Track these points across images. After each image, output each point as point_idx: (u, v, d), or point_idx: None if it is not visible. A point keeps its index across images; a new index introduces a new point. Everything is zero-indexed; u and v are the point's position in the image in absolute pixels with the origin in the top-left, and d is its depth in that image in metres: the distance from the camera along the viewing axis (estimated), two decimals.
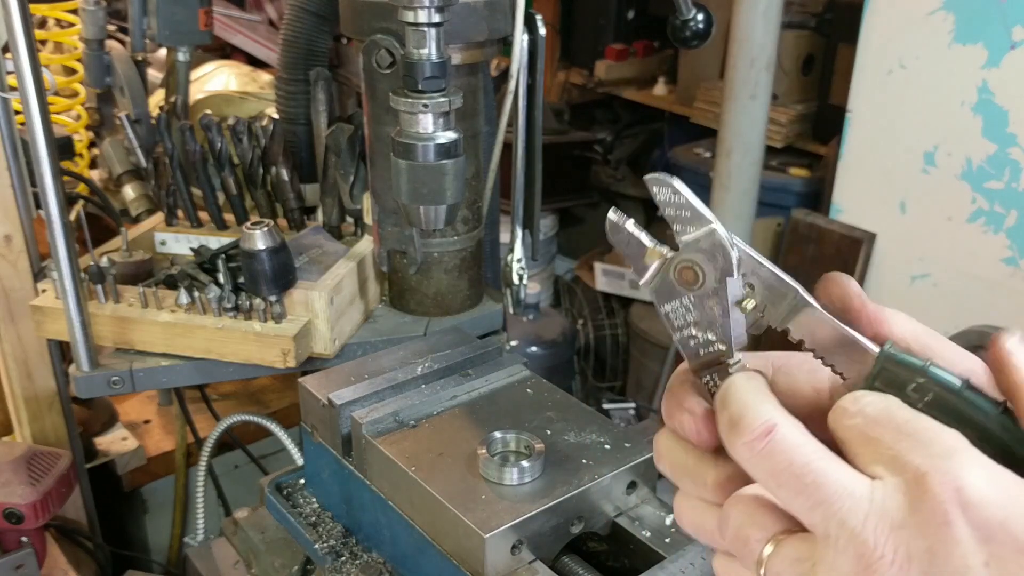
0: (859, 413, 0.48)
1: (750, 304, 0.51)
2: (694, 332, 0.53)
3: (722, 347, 0.52)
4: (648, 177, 0.53)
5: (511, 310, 1.51)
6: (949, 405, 0.48)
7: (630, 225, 0.54)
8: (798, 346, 0.52)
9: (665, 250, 0.53)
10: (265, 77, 2.27)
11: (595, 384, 3.72)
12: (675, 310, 0.53)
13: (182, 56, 1.81)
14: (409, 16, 1.12)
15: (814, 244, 2.64)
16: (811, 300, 0.51)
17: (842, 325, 0.51)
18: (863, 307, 0.52)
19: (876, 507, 0.44)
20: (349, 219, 1.64)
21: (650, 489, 1.01)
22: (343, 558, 1.08)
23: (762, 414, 0.48)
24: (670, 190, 0.52)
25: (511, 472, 0.93)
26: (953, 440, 0.45)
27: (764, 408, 0.49)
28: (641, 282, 0.54)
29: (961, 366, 0.50)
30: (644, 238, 0.54)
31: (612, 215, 0.55)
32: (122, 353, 1.41)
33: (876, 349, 0.50)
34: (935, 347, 0.52)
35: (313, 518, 1.14)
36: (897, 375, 0.49)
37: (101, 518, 1.84)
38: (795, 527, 0.48)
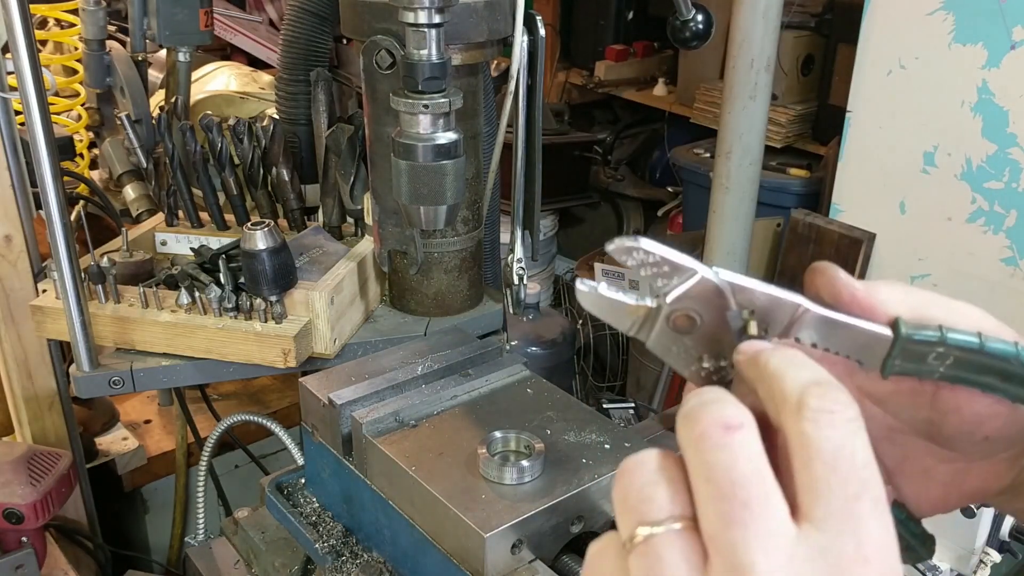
0: (818, 445, 0.41)
1: (753, 328, 0.51)
2: (704, 364, 0.52)
3: (731, 377, 0.52)
4: (611, 247, 0.50)
5: (511, 310, 1.51)
6: (972, 362, 0.50)
7: (604, 290, 0.52)
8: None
9: (647, 302, 0.51)
10: (265, 77, 2.27)
11: (595, 384, 3.72)
12: (678, 352, 0.52)
13: (182, 56, 1.81)
14: (409, 17, 1.12)
15: (814, 244, 2.64)
16: (811, 306, 0.51)
17: (847, 319, 0.51)
18: (852, 298, 0.51)
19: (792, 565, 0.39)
20: (350, 219, 1.64)
21: None
22: (343, 558, 1.08)
23: (728, 408, 0.43)
24: (641, 253, 0.50)
25: (511, 472, 0.93)
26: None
27: (730, 404, 0.43)
28: (629, 334, 0.53)
29: (957, 314, 0.52)
30: (622, 299, 0.52)
31: (580, 285, 0.52)
32: (122, 353, 1.41)
33: (887, 332, 0.50)
34: (928, 307, 0.52)
35: (313, 518, 1.15)
36: (915, 351, 0.50)
37: (101, 518, 1.84)
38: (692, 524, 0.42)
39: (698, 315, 0.51)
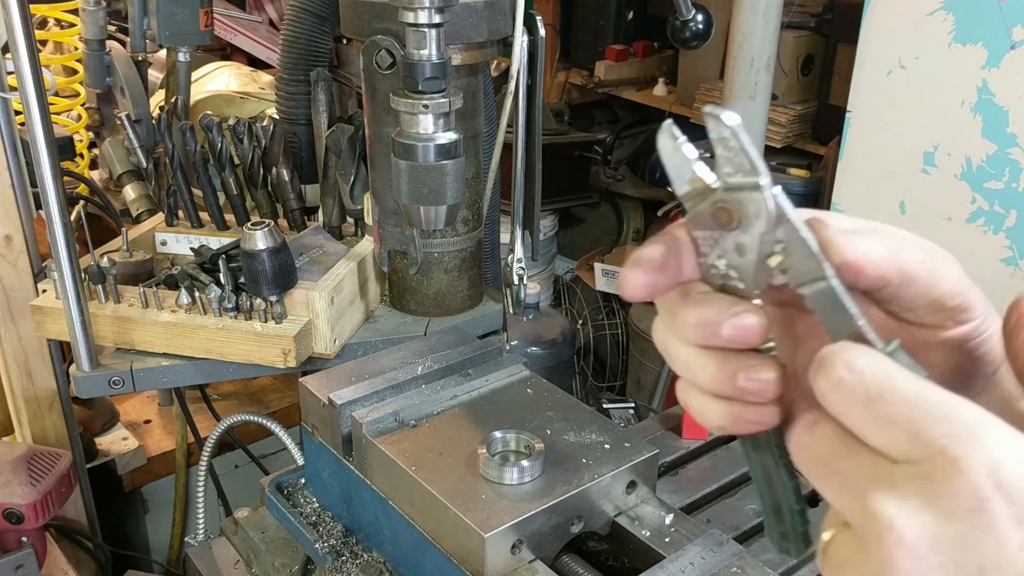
0: (856, 381, 0.44)
1: (775, 261, 0.51)
2: (717, 263, 0.52)
3: (740, 286, 0.52)
4: (706, 110, 0.51)
5: (511, 310, 1.51)
6: None
7: (682, 144, 0.52)
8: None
9: (710, 179, 0.52)
10: (265, 77, 2.27)
11: (595, 384, 3.72)
12: (704, 239, 0.52)
13: (182, 56, 1.82)
14: (409, 17, 1.12)
15: None
16: (835, 282, 0.50)
17: (856, 314, 0.50)
18: (843, 262, 0.51)
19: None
20: (350, 219, 1.64)
21: (650, 489, 1.01)
22: (343, 558, 1.08)
23: (851, 348, 0.46)
24: (728, 131, 0.50)
25: (511, 472, 0.93)
26: (974, 414, 0.41)
27: (851, 345, 0.46)
28: (677, 194, 0.53)
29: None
30: (693, 161, 0.52)
31: (667, 127, 0.53)
32: (122, 353, 1.41)
33: (882, 347, 0.49)
34: (903, 252, 0.53)
35: (313, 518, 1.15)
36: None
37: (101, 518, 1.84)
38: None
39: (737, 217, 0.51)
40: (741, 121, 0.50)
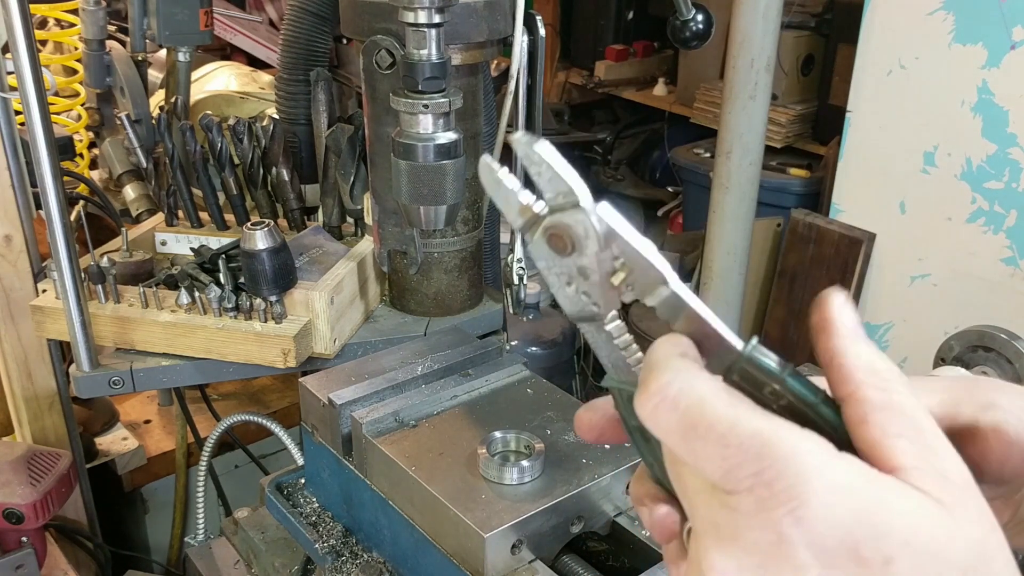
0: (670, 409, 0.43)
1: (618, 279, 0.50)
2: (568, 291, 0.51)
3: (595, 307, 0.51)
4: (515, 137, 0.49)
5: (511, 310, 1.51)
6: (800, 414, 0.45)
7: (503, 175, 0.51)
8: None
9: (538, 207, 0.50)
10: (265, 77, 2.27)
11: (595, 384, 3.72)
12: (548, 268, 0.51)
13: (182, 56, 1.81)
14: (409, 17, 1.12)
15: (814, 244, 2.64)
16: (681, 295, 0.49)
17: (707, 316, 0.49)
18: (832, 362, 0.46)
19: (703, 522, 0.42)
20: (349, 219, 1.64)
21: None
22: (343, 558, 1.08)
23: (671, 367, 0.44)
24: (538, 155, 0.49)
25: (511, 472, 0.93)
26: (787, 446, 0.40)
27: (672, 363, 0.45)
28: (513, 227, 0.52)
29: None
30: (516, 191, 0.51)
31: (486, 160, 0.51)
32: (122, 353, 1.41)
33: (739, 346, 0.48)
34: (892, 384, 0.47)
35: (313, 518, 1.15)
36: (755, 376, 0.47)
37: (101, 518, 1.84)
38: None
39: (569, 241, 0.49)
40: (550, 145, 0.49)
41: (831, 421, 0.45)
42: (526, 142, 0.49)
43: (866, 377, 0.43)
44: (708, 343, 0.48)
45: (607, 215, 0.49)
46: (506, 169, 0.51)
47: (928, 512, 0.39)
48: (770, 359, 0.46)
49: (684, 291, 0.49)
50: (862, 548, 0.38)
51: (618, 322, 0.51)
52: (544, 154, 0.49)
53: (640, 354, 0.51)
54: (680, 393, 0.43)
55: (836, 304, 0.46)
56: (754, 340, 0.47)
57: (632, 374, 0.50)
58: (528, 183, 0.51)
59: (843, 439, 0.44)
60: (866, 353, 0.44)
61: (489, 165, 0.51)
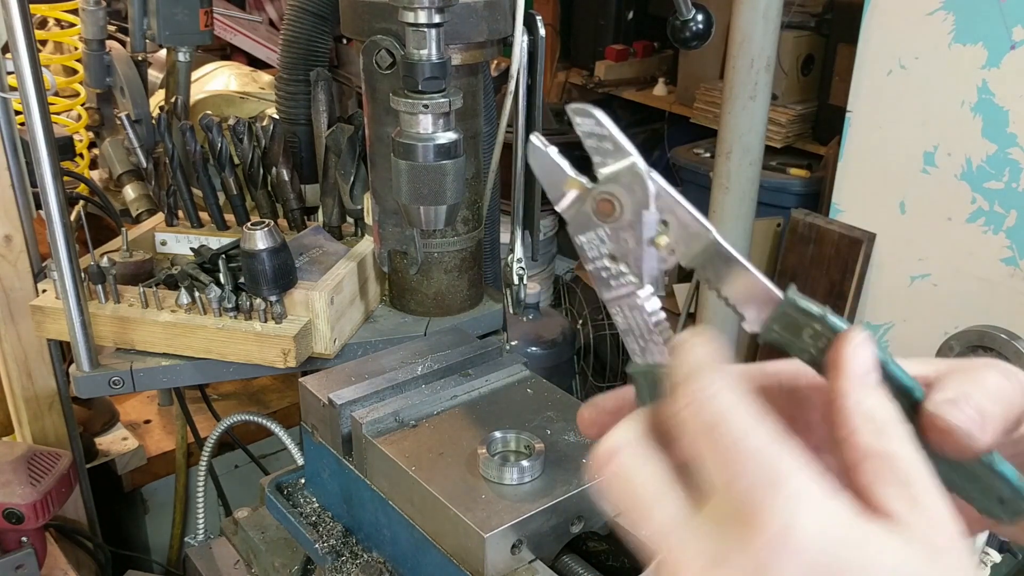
0: (698, 408, 0.44)
1: (663, 240, 0.52)
2: (607, 264, 0.53)
3: (633, 279, 0.53)
4: (571, 107, 0.52)
5: (511, 310, 1.51)
6: None
7: (552, 152, 0.54)
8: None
9: (584, 180, 0.53)
10: (265, 77, 2.27)
11: (595, 384, 3.72)
12: (590, 241, 0.53)
13: (182, 56, 1.81)
14: (409, 16, 1.12)
15: (814, 244, 2.64)
16: (725, 246, 0.51)
17: (752, 272, 0.51)
18: (835, 403, 0.45)
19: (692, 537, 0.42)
20: (349, 219, 1.64)
21: None
22: (343, 558, 1.08)
23: (706, 371, 0.45)
24: (593, 121, 0.51)
25: (511, 472, 0.93)
26: (782, 469, 0.40)
27: (708, 367, 0.45)
28: (557, 207, 0.54)
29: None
30: (565, 166, 0.54)
31: (535, 139, 0.54)
32: (122, 353, 1.41)
33: (778, 293, 0.50)
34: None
35: (313, 518, 1.15)
36: (795, 320, 0.49)
37: (101, 518, 1.84)
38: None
39: (619, 204, 0.52)
40: (604, 113, 0.52)
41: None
42: (582, 107, 0.51)
43: (862, 424, 0.43)
44: (753, 293, 0.51)
45: (657, 176, 0.51)
46: (555, 148, 0.54)
47: (911, 558, 0.39)
48: (809, 301, 0.49)
49: (727, 248, 0.51)
50: None
51: (654, 298, 0.53)
52: (601, 118, 0.51)
53: (672, 334, 0.52)
54: (710, 399, 0.43)
55: (852, 344, 0.46)
56: (792, 287, 0.49)
57: (664, 356, 0.51)
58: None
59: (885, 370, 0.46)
60: (868, 400, 0.44)
61: (540, 142, 0.54)
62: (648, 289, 0.53)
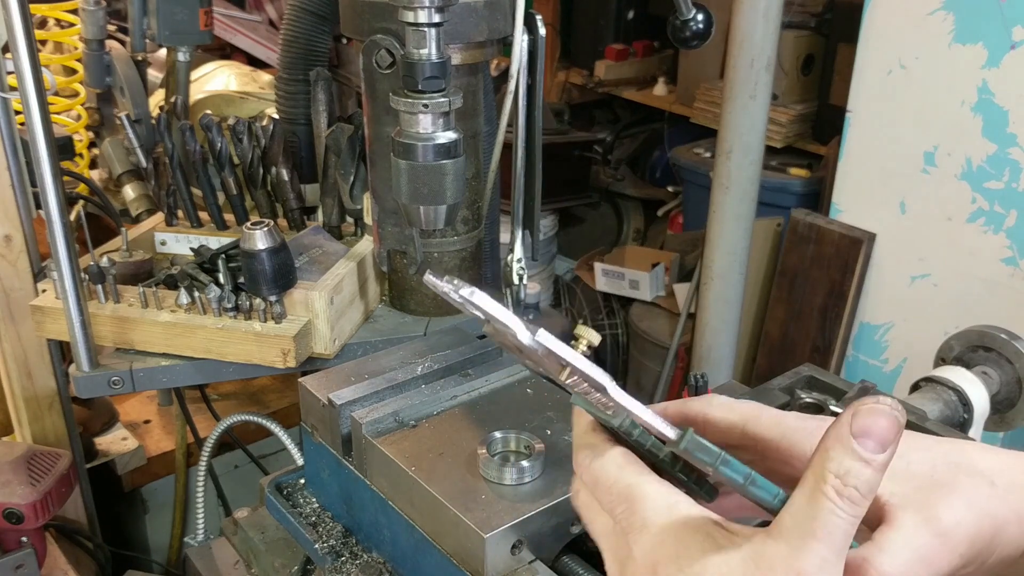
0: (585, 470, 0.62)
1: (564, 375, 0.61)
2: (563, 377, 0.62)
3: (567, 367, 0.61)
4: (457, 296, 0.64)
5: (511, 310, 1.51)
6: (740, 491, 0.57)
7: (473, 303, 0.65)
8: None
9: (491, 328, 0.65)
10: (265, 77, 2.28)
11: None
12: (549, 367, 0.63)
13: (182, 56, 1.82)
14: (409, 16, 1.12)
15: (814, 244, 2.64)
16: (614, 391, 0.59)
17: (642, 413, 0.59)
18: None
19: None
20: (349, 219, 1.64)
21: None
22: (343, 558, 1.08)
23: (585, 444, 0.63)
24: (477, 311, 0.64)
25: (511, 472, 0.93)
26: (643, 491, 0.57)
27: (586, 440, 0.63)
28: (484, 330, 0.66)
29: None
30: (480, 313, 0.64)
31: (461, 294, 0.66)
32: (122, 353, 1.41)
33: (674, 436, 0.58)
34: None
35: (313, 518, 1.14)
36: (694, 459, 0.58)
37: (101, 518, 1.84)
38: None
39: (518, 351, 0.63)
40: (475, 290, 0.63)
41: (760, 498, 0.57)
42: (466, 303, 0.65)
43: (817, 464, 0.52)
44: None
45: (542, 337, 0.61)
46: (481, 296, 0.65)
47: (721, 558, 0.53)
48: (705, 451, 0.57)
49: (622, 398, 0.60)
50: (659, 567, 0.54)
51: (594, 367, 0.62)
52: (480, 304, 0.64)
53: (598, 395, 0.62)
54: (589, 461, 0.62)
55: (864, 410, 0.52)
56: (688, 432, 0.57)
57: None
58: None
59: (777, 507, 0.55)
60: (843, 449, 0.52)
61: (463, 295, 0.65)
62: (612, 391, 0.61)
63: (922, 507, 0.57)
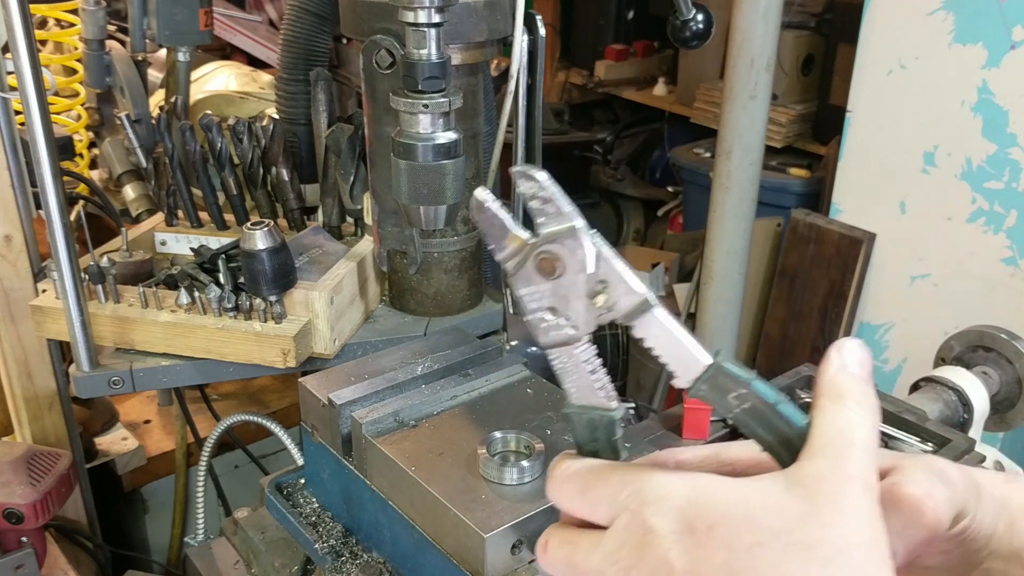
0: (568, 478, 0.58)
1: (600, 300, 0.55)
2: (547, 316, 0.56)
3: (571, 331, 0.56)
4: (514, 169, 0.54)
5: (511, 310, 1.51)
6: (761, 415, 0.54)
7: (495, 206, 0.56)
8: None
9: (526, 235, 0.55)
10: (265, 77, 2.27)
11: None
12: (531, 294, 0.56)
13: (182, 56, 1.82)
14: (409, 16, 1.12)
15: (814, 244, 2.64)
16: (655, 305, 0.54)
17: (680, 332, 0.55)
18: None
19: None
20: (349, 219, 1.64)
21: None
22: (343, 558, 1.08)
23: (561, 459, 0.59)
24: (536, 184, 0.54)
25: (511, 472, 0.93)
26: (646, 474, 0.54)
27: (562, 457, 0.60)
28: (497, 258, 0.57)
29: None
30: (507, 221, 0.56)
31: (479, 193, 0.56)
32: (122, 353, 1.41)
33: (707, 359, 0.54)
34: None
35: (313, 518, 1.14)
36: (723, 383, 0.54)
37: (101, 518, 1.84)
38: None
39: (560, 263, 0.55)
40: (549, 174, 0.55)
41: (788, 418, 0.53)
42: (525, 169, 0.54)
43: (826, 389, 0.54)
44: (681, 354, 0.55)
45: (598, 239, 0.54)
46: (499, 202, 0.56)
47: (757, 492, 0.51)
48: (737, 367, 0.54)
49: (662, 314, 0.55)
50: (694, 522, 0.51)
51: (590, 346, 0.57)
52: (543, 181, 0.54)
53: (607, 379, 0.57)
54: (570, 469, 0.58)
55: (846, 346, 0.56)
56: (722, 351, 0.54)
57: (597, 399, 0.57)
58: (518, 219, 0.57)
59: (797, 434, 0.53)
60: (842, 372, 0.55)
61: (483, 197, 0.56)
62: (585, 339, 0.56)
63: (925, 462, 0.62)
